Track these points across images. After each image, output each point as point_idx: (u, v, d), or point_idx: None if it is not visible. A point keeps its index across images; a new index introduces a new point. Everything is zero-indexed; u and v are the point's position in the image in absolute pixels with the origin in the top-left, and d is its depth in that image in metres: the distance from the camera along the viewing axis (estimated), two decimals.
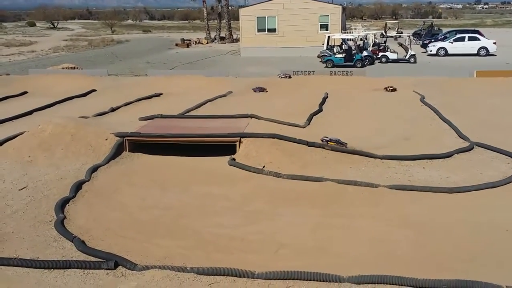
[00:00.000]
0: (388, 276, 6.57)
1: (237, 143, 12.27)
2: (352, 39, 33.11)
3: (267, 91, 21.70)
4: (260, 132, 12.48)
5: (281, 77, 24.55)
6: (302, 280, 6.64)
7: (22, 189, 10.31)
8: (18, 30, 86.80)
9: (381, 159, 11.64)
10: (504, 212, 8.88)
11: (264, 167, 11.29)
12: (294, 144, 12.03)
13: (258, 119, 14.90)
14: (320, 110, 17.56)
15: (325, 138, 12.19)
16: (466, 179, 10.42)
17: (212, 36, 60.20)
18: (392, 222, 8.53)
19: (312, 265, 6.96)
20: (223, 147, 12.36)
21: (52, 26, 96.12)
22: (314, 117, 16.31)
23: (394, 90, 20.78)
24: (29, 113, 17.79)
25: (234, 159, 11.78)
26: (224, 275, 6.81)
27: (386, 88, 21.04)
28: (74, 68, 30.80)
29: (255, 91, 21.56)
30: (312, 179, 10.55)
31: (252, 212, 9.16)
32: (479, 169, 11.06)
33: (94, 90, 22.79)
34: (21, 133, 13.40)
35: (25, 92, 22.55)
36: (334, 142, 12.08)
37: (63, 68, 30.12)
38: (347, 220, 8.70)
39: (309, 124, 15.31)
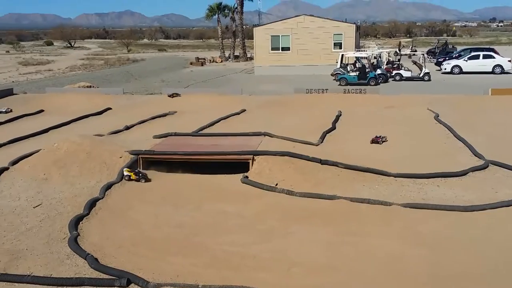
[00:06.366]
0: None
1: (250, 161, 12.31)
2: (366, 57, 33.11)
3: None
4: (273, 150, 12.51)
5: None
6: None
7: (36, 206, 10.41)
8: (35, 49, 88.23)
9: (395, 177, 11.57)
10: None
11: (277, 184, 11.29)
12: (307, 162, 12.03)
13: (271, 137, 14.94)
14: (333, 128, 17.54)
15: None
16: (481, 198, 10.30)
17: (227, 54, 60.67)
18: (405, 241, 8.46)
19: (324, 284, 6.93)
20: (236, 165, 12.40)
21: (69, 45, 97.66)
22: (327, 135, 16.29)
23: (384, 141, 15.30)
24: (45, 131, 18.00)
25: (247, 177, 11.80)
26: None
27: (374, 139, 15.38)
28: (90, 86, 31.15)
29: None
30: (325, 197, 10.51)
31: (264, 230, 9.14)
32: (494, 187, 10.94)
33: (110, 109, 23.06)
34: (37, 151, 13.57)
35: (42, 111, 22.88)
36: None
37: (79, 87, 30.48)
38: (360, 238, 8.64)
39: (322, 142, 15.28)
